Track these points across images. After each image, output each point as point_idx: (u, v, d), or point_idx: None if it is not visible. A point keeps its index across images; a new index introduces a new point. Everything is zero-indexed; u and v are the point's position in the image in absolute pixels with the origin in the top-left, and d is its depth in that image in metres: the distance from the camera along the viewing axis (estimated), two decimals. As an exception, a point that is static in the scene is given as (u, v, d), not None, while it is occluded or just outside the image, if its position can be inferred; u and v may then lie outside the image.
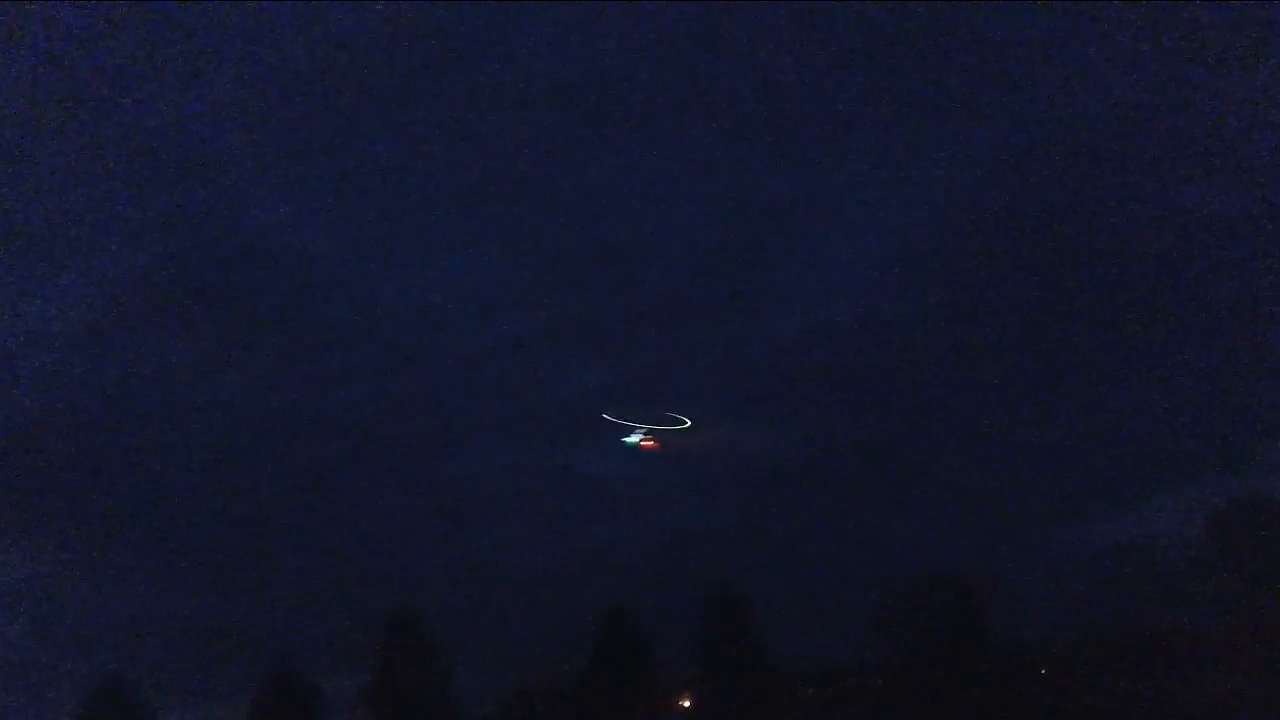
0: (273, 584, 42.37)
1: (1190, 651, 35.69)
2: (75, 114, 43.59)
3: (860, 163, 44.51)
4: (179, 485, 43.20)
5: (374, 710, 37.92)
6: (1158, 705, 35.03)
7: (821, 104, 44.70)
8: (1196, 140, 41.45)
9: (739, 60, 44.57)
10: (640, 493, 44.52)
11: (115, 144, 43.61)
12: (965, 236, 43.12)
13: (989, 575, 37.39)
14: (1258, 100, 40.88)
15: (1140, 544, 37.87)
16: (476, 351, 45.29)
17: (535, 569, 43.37)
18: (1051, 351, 42.40)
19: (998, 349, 42.90)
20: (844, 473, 42.55)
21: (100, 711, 37.31)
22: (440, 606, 39.48)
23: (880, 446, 42.98)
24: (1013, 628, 37.12)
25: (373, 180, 44.73)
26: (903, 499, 42.20)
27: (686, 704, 38.65)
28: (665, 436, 41.42)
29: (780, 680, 37.75)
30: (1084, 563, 38.68)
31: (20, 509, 41.73)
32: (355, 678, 38.75)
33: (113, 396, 43.56)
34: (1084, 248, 42.69)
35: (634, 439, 41.00)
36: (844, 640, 38.55)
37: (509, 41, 44.13)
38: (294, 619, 41.24)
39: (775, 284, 45.25)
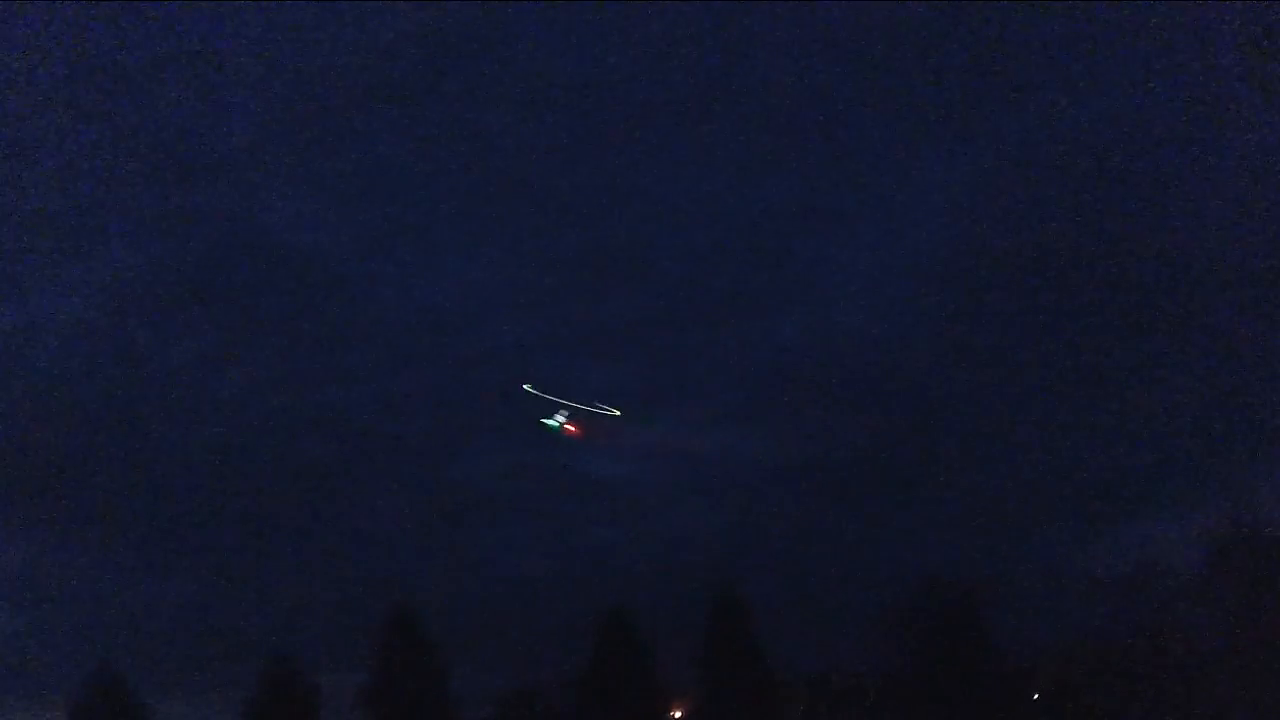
0: (272, 582, 42.34)
1: (1189, 662, 35.64)
2: (83, 112, 43.73)
3: (867, 167, 44.63)
4: (179, 483, 43.22)
5: (373, 710, 37.84)
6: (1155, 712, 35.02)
7: (828, 108, 44.81)
8: (1205, 147, 41.61)
9: (745, 64, 44.72)
10: (641, 494, 44.51)
11: (120, 142, 43.74)
12: (970, 243, 43.19)
13: (989, 581, 37.34)
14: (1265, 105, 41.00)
15: (1140, 557, 37.87)
16: (479, 352, 45.30)
17: (535, 569, 43.36)
18: (1056, 358, 42.43)
19: (1001, 355, 42.95)
20: (846, 476, 42.54)
21: (96, 706, 37.27)
22: (440, 606, 39.50)
23: (882, 451, 42.95)
24: (1014, 631, 37.10)
25: (378, 181, 44.80)
26: (904, 503, 42.18)
27: (679, 715, 38.58)
28: (590, 424, 40.22)
29: (780, 683, 37.70)
30: (1083, 573, 38.68)
31: (19, 505, 41.73)
32: (354, 677, 38.72)
33: (114, 393, 43.59)
34: (1087, 255, 42.77)
35: (556, 421, 39.70)
36: (844, 643, 38.53)
37: (514, 43, 44.30)
38: (293, 617, 41.23)
39: (779, 287, 45.30)
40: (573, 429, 39.48)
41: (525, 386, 38.98)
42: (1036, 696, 37.34)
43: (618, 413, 39.56)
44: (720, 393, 45.11)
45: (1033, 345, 42.52)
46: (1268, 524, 36.17)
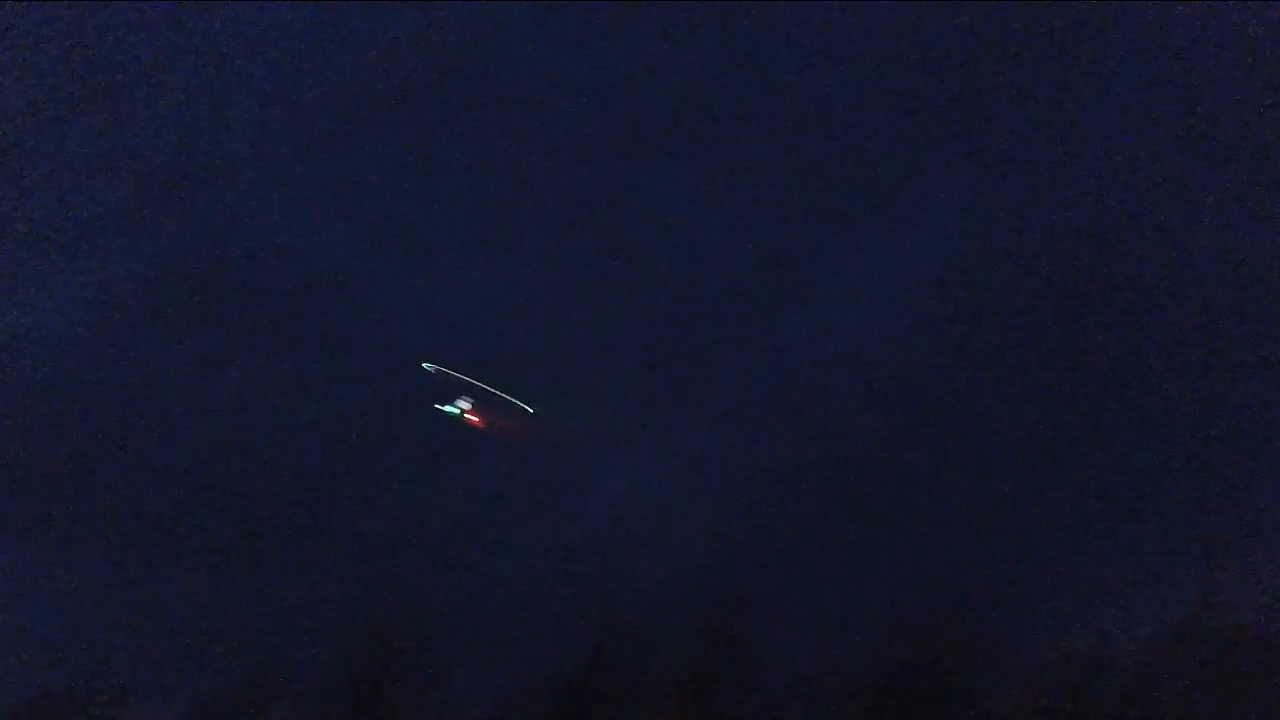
0: (272, 582, 42.30)
1: (1188, 662, 35.79)
2: (81, 113, 43.71)
3: (867, 167, 44.67)
4: (179, 483, 43.12)
5: (371, 711, 37.89)
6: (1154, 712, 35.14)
7: (827, 108, 44.86)
8: (1205, 147, 41.66)
9: (745, 64, 44.76)
10: (642, 494, 44.49)
11: (119, 142, 43.72)
12: (972, 243, 43.26)
13: (989, 581, 37.46)
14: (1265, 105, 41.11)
15: (1139, 557, 38.00)
16: (479, 354, 45.25)
17: (536, 570, 43.34)
18: (1057, 359, 42.51)
19: (1002, 355, 43.02)
20: (847, 476, 42.58)
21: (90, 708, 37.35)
22: (440, 606, 39.49)
23: (883, 452, 43.01)
24: (1014, 633, 37.22)
25: (378, 181, 44.77)
26: (906, 504, 42.26)
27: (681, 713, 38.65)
28: (494, 416, 37.80)
29: (780, 683, 37.77)
30: (1084, 576, 38.83)
31: (17, 504, 41.70)
32: (352, 678, 38.75)
33: (112, 394, 43.52)
34: (1088, 255, 42.88)
35: (456, 408, 37.26)
36: (845, 645, 38.64)
37: (516, 42, 44.34)
38: (293, 617, 41.20)
39: (780, 287, 45.31)
40: (475, 419, 37.10)
41: (424, 365, 36.64)
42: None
43: (530, 410, 37.47)
44: (721, 393, 45.10)
45: (1034, 345, 42.61)
46: (1269, 526, 36.32)
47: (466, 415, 37.04)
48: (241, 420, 43.89)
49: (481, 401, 37.22)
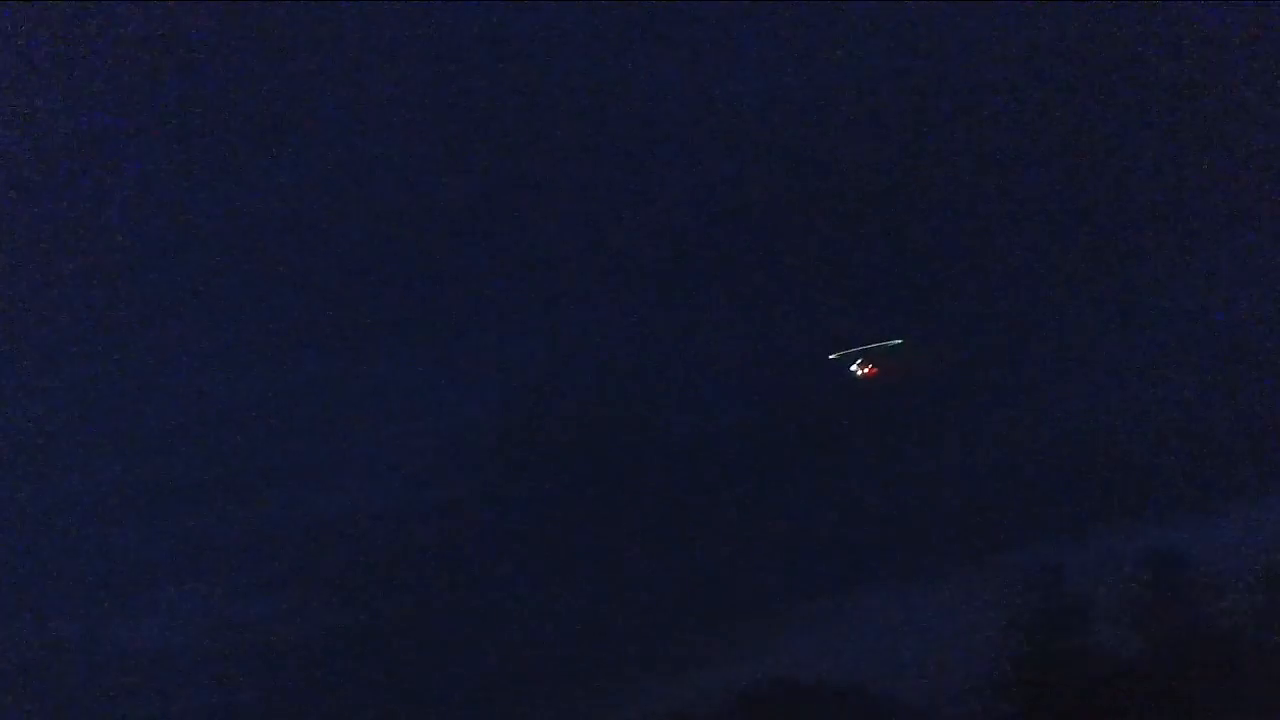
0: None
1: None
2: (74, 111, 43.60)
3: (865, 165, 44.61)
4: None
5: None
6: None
7: (820, 110, 44.96)
8: (1205, 147, 41.86)
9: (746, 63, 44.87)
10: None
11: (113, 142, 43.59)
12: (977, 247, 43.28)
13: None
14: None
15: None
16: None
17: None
18: (1056, 362, 42.52)
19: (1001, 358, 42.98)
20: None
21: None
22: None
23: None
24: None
25: (379, 179, 44.63)
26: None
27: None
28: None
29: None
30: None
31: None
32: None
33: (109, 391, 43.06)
34: (1088, 255, 43.03)
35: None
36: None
37: (514, 41, 44.37)
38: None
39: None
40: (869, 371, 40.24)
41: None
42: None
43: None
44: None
45: (1034, 349, 42.59)
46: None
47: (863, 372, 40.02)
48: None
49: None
